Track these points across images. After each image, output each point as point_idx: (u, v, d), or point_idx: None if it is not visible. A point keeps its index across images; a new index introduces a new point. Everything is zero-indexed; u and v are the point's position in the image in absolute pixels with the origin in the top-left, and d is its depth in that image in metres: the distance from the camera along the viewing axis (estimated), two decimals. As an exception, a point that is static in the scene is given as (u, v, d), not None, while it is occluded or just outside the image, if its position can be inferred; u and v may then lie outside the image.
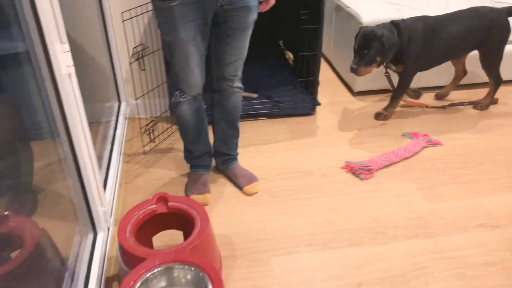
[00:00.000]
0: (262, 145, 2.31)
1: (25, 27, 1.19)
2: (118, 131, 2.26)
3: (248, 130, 2.43)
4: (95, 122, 2.07)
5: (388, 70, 2.41)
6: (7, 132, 1.44)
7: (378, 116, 2.52)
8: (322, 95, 2.75)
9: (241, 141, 2.05)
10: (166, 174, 2.09)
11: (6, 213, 1.33)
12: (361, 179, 2.05)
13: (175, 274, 1.25)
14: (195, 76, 1.66)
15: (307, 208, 1.88)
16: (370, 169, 2.08)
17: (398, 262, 1.62)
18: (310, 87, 2.59)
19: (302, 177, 2.07)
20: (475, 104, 2.62)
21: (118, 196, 1.90)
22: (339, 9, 2.82)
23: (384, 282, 1.54)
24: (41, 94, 1.34)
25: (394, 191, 1.98)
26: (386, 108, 2.50)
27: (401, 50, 2.23)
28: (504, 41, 2.41)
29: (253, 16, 1.63)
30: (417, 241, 1.71)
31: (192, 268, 1.24)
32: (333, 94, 2.81)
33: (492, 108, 2.63)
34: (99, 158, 1.94)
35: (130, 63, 2.10)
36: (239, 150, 2.06)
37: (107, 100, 2.37)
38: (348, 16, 2.69)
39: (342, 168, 2.13)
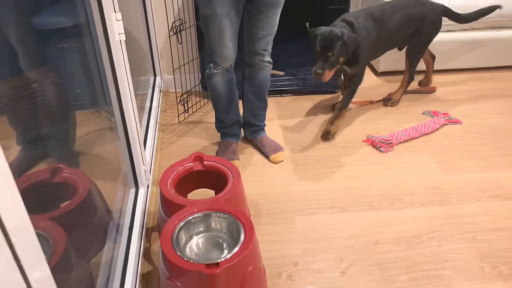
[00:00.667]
0: (287, 119, 2.45)
1: (88, 5, 1.34)
2: (154, 103, 2.43)
3: (274, 105, 2.57)
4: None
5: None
6: (54, 101, 1.61)
7: (327, 134, 2.29)
8: (346, 74, 2.86)
9: (267, 114, 2.19)
10: (198, 143, 2.25)
11: (60, 165, 1.51)
12: (382, 152, 2.17)
13: (212, 221, 1.41)
14: (228, 49, 1.80)
15: (329, 175, 2.01)
16: (390, 143, 2.19)
17: (413, 225, 1.75)
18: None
19: (325, 149, 2.20)
20: (386, 100, 2.57)
21: (155, 159, 2.07)
22: (366, -9, 2.90)
23: (399, 241, 1.67)
24: (98, 64, 1.51)
25: (412, 163, 2.09)
26: (340, 108, 2.28)
27: (355, 50, 2.10)
28: (432, 37, 2.40)
29: None
30: (432, 207, 1.83)
31: (227, 216, 1.40)
32: (356, 74, 2.91)
33: (513, 90, 2.70)
34: (138, 126, 2.11)
35: (169, 36, 2.25)
36: (266, 122, 2.20)
37: (144, 74, 2.54)
38: (374, -2, 2.77)
39: (363, 141, 2.25)
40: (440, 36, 2.76)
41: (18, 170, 1.43)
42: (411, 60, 2.47)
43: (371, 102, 2.59)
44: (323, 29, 2.02)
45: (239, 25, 1.80)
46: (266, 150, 2.12)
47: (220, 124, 2.12)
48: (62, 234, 1.29)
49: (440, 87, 2.75)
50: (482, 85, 2.76)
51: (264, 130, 2.19)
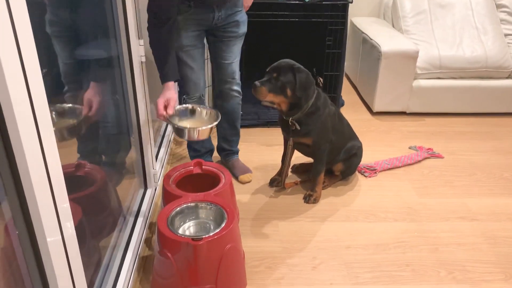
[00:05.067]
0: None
1: (118, 32, 1.71)
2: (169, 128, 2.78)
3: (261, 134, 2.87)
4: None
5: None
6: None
7: (308, 199, 2.20)
8: (345, 113, 3.15)
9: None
10: (204, 160, 2.56)
11: (83, 162, 1.83)
12: (366, 176, 2.42)
13: (201, 210, 1.69)
14: (196, 75, 2.07)
15: (315, 192, 2.27)
16: (374, 170, 2.45)
17: (383, 235, 1.97)
18: (333, 102, 3.01)
19: (315, 171, 2.46)
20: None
21: (164, 169, 2.38)
22: (365, 41, 3.26)
23: (368, 247, 1.89)
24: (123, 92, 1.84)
25: (392, 187, 2.32)
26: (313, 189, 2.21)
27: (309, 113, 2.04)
28: None
29: (243, 29, 2.08)
30: (403, 223, 2.05)
31: (214, 206, 1.67)
32: (355, 113, 3.21)
33: (499, 133, 2.93)
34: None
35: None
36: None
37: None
38: (371, 47, 3.13)
39: (351, 167, 2.51)
40: (432, 83, 3.07)
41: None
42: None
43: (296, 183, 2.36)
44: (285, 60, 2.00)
45: (204, 56, 2.10)
46: (235, 172, 2.37)
47: (193, 154, 2.36)
48: (78, 210, 1.59)
49: (429, 127, 3.01)
50: (467, 127, 3.01)
51: (236, 154, 2.42)
